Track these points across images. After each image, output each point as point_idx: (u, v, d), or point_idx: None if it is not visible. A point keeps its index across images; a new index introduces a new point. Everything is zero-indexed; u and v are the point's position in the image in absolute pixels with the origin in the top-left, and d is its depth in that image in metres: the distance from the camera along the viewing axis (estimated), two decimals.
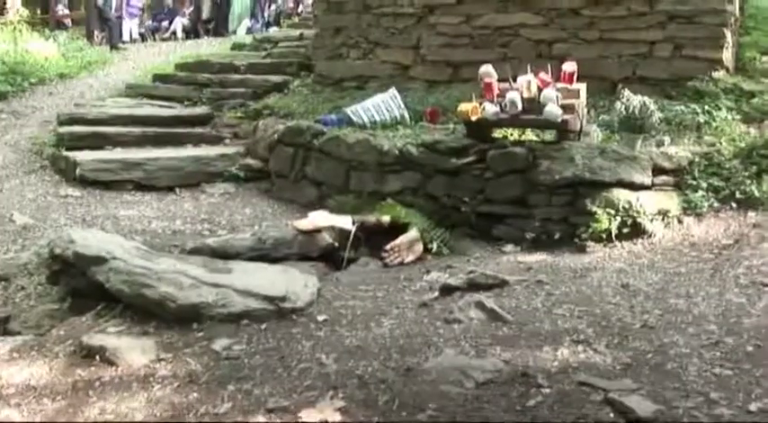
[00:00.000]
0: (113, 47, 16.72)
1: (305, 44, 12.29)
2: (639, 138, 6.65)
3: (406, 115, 7.98)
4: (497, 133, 7.05)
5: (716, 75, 8.05)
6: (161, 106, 10.61)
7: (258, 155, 8.37)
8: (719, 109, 7.61)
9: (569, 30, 8.60)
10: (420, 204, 6.90)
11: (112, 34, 17.29)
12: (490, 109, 6.67)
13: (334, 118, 7.93)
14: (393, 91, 8.05)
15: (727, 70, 8.22)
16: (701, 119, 7.40)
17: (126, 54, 16.21)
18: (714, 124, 7.37)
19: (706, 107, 7.60)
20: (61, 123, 9.65)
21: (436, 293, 5.07)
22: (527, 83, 6.65)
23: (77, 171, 8.07)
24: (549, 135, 6.95)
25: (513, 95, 6.61)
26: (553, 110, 6.42)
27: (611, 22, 8.41)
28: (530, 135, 7.10)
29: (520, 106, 6.61)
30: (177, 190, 8.07)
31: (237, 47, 13.63)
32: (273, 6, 18.62)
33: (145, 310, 4.67)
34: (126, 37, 18.96)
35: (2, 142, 9.99)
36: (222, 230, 6.77)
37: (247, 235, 6.26)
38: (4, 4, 20.61)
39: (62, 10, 21.59)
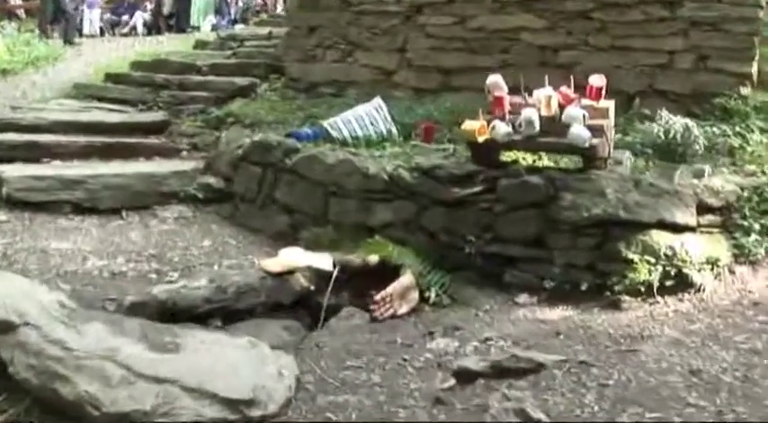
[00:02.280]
0: (68, 41, 15.02)
1: (274, 44, 10.82)
2: (678, 168, 5.33)
3: (394, 130, 6.59)
4: (504, 156, 5.68)
5: (744, 91, 6.81)
6: (111, 111, 9.05)
7: (220, 172, 6.90)
8: (752, 131, 6.35)
9: (578, 35, 7.28)
10: (413, 241, 5.52)
11: (68, 27, 15.54)
12: (502, 129, 5.31)
13: (309, 132, 6.50)
14: (378, 101, 6.65)
15: (752, 85, 6.97)
16: (735, 142, 6.14)
17: (81, 49, 14.53)
18: (749, 149, 6.11)
19: (737, 128, 6.34)
20: None
21: (452, 381, 3.70)
22: (546, 98, 5.30)
23: (3, 189, 6.52)
24: (568, 161, 5.62)
25: (529, 113, 5.25)
26: (580, 132, 5.08)
27: (625, 28, 7.11)
28: (545, 160, 5.74)
29: (537, 126, 5.26)
30: (124, 213, 6.57)
31: (200, 45, 12.06)
32: (240, 2, 17.05)
33: (59, 411, 3.25)
34: (86, 29, 17.24)
35: None
36: (174, 272, 5.30)
37: (204, 282, 4.80)
38: None
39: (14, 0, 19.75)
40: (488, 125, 5.37)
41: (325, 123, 6.44)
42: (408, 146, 6.27)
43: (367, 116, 6.44)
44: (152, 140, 8.02)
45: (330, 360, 4.08)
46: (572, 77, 5.40)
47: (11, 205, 6.47)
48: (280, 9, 16.52)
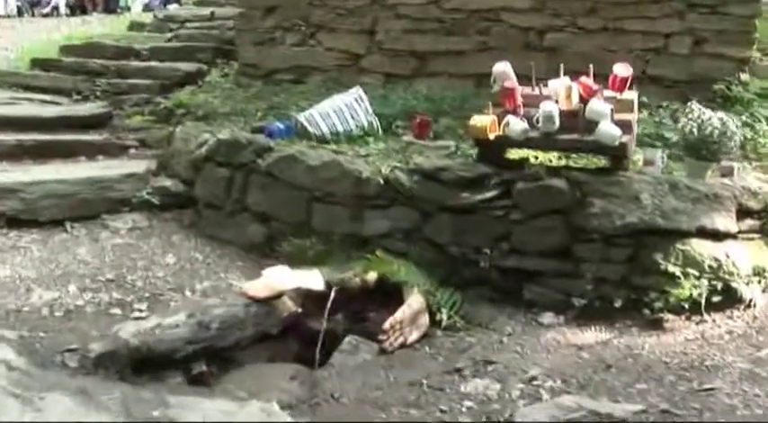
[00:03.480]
0: None
1: (217, 25, 9.79)
2: (710, 166, 4.65)
3: (375, 123, 5.71)
4: (511, 154, 4.88)
5: (744, 77, 6.20)
6: (43, 102, 7.83)
7: (177, 174, 5.90)
8: (758, 120, 5.74)
9: (566, 16, 6.52)
10: (415, 254, 4.71)
11: None
12: (517, 125, 4.53)
13: (281, 126, 5.57)
14: (358, 91, 5.75)
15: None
16: (745, 134, 5.51)
17: None
18: (761, 140, 5.50)
19: (744, 118, 5.72)
20: None
21: None
22: (566, 90, 4.53)
23: None
24: (587, 161, 4.88)
25: (549, 108, 4.48)
26: (610, 129, 4.34)
27: (617, 9, 6.38)
28: (561, 159, 4.97)
29: (557, 122, 4.49)
30: (68, 225, 5.51)
31: (136, 27, 10.80)
32: None
33: None
34: (1, 9, 15.61)
35: None
36: (139, 302, 4.33)
37: (182, 317, 3.89)
38: None
39: None
40: (502, 121, 4.58)
41: (301, 117, 5.51)
42: (396, 142, 5.41)
43: (347, 108, 5.54)
44: (93, 137, 6.89)
45: (355, 419, 3.25)
46: (591, 67, 4.63)
47: None
48: None
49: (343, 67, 7.14)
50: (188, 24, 10.07)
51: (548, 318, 4.39)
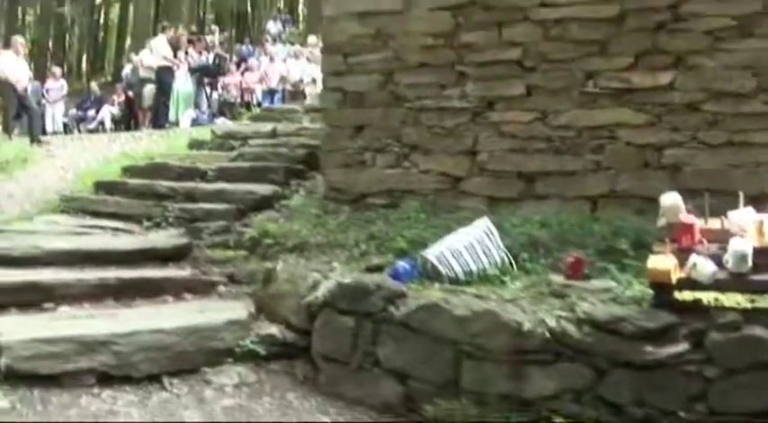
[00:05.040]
0: (35, 140, 13.04)
1: (282, 142, 9.25)
2: None
3: (507, 259, 4.98)
4: (681, 295, 4.11)
5: None
6: (114, 230, 7.17)
7: (282, 318, 5.12)
8: None
9: (685, 131, 5.87)
10: (591, 417, 3.88)
11: (34, 125, 13.56)
12: (706, 268, 3.80)
13: (407, 266, 4.82)
14: (486, 223, 5.04)
15: None
16: None
17: (50, 149, 12.56)
18: None
19: None
20: None
21: None
22: (758, 224, 3.83)
23: (2, 360, 4.59)
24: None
25: (742, 247, 3.77)
26: None
27: (741, 121, 5.73)
28: (738, 298, 4.20)
29: (750, 262, 3.77)
30: (167, 381, 4.70)
31: (196, 144, 10.24)
32: (215, 94, 15.36)
33: None
34: (49, 126, 15.25)
35: None
36: None
37: None
38: None
39: None
40: (680, 260, 3.86)
41: (430, 256, 4.77)
42: (541, 282, 4.65)
43: (478, 244, 4.82)
44: (177, 272, 6.16)
45: None
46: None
47: (13, 382, 4.49)
48: (255, 101, 14.93)
49: (441, 191, 6.46)
50: (251, 142, 9.55)
51: None
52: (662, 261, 3.86)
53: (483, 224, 5.01)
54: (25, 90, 13.72)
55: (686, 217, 4.03)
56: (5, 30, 29.37)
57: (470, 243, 4.81)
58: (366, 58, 6.80)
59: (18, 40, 14.57)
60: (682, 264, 3.91)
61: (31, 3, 29.87)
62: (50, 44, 33.79)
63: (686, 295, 4.08)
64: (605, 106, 6.07)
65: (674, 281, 3.86)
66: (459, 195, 6.42)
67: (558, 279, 4.55)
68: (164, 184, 8.17)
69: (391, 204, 6.59)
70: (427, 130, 6.55)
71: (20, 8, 31.51)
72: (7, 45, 15.78)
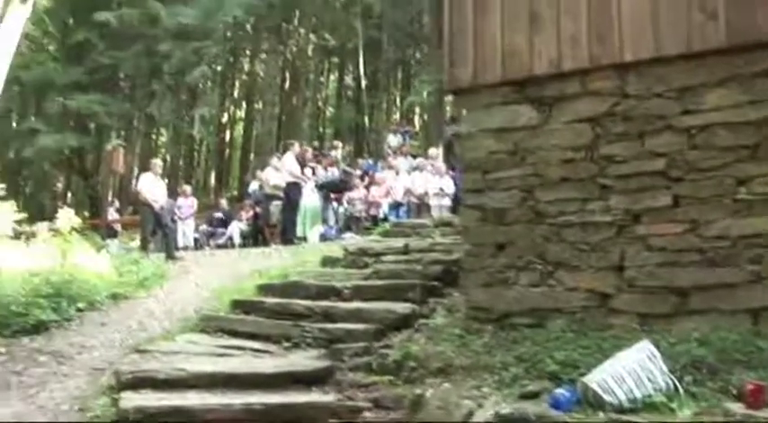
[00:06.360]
0: (170, 257, 13.68)
1: (415, 259, 9.22)
2: None
3: (673, 384, 4.65)
4: None
5: None
6: (254, 351, 7.23)
7: None
8: None
9: None
10: None
11: (170, 242, 14.27)
12: None
13: (567, 394, 4.57)
14: (648, 346, 4.75)
15: None
16: None
17: (184, 265, 13.13)
18: None
19: None
20: (122, 387, 6.19)
21: None
22: None
23: None
24: None
25: None
26: None
27: None
28: None
29: None
30: None
31: (329, 262, 10.35)
32: (341, 209, 15.75)
33: None
34: (180, 241, 16.01)
35: (35, 406, 6.45)
36: None
37: None
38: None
39: (112, 214, 18.84)
40: None
41: (592, 383, 4.51)
42: (717, 410, 4.28)
43: (642, 369, 4.52)
44: (321, 397, 6.07)
45: None
46: None
47: None
48: (381, 215, 15.15)
49: (588, 309, 6.17)
50: (383, 258, 9.58)
51: None
52: None
53: (645, 348, 4.71)
54: (162, 208, 14.49)
55: None
56: (141, 150, 31.65)
57: (633, 368, 4.52)
58: (505, 175, 6.75)
59: (157, 162, 15.62)
60: None
61: (165, 123, 32.07)
62: (181, 162, 36.08)
63: None
64: (762, 213, 5.72)
65: None
66: (608, 313, 6.11)
67: (736, 408, 4.16)
68: (300, 304, 8.22)
69: (536, 324, 6.33)
70: (571, 247, 6.35)
71: (155, 129, 33.90)
72: (145, 167, 16.93)
